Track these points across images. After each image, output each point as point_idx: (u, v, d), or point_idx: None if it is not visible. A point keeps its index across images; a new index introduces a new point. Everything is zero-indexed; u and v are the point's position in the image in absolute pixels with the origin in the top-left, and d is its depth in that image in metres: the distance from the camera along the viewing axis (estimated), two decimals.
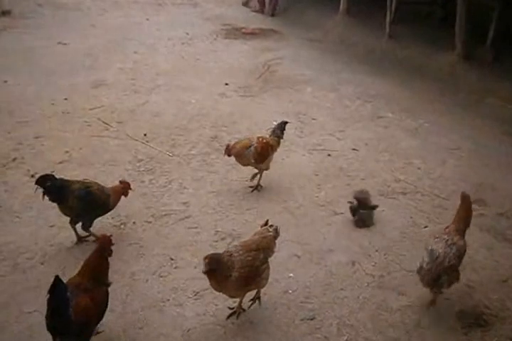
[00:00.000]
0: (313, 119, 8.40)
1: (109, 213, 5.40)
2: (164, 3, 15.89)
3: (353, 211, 5.76)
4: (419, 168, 7.07)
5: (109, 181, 5.81)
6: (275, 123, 6.67)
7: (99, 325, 4.02)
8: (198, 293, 4.69)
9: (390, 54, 11.38)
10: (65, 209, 5.09)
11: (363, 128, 8.25)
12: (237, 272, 4.05)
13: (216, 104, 8.79)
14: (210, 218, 5.80)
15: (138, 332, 4.27)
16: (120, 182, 5.50)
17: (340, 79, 10.26)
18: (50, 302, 3.56)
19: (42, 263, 4.98)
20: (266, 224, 4.61)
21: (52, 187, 4.93)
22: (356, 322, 4.48)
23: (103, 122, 7.82)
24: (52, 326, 3.61)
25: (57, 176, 5.10)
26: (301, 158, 7.23)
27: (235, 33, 13.23)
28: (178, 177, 6.56)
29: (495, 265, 5.25)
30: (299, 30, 13.40)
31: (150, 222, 5.68)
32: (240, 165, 6.32)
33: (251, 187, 6.40)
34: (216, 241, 5.40)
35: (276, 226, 4.56)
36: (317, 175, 6.80)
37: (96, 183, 5.28)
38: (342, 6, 13.18)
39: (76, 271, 3.98)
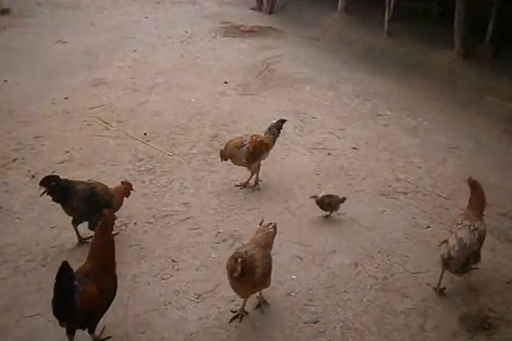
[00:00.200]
0: (313, 118, 8.39)
1: None
2: (163, 1, 15.85)
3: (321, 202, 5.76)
4: (419, 167, 7.06)
5: (110, 181, 5.75)
6: (274, 121, 6.64)
7: (105, 332, 3.96)
8: (200, 295, 4.66)
9: (388, 52, 11.38)
10: (68, 209, 5.07)
11: (363, 126, 8.24)
12: (261, 268, 4.13)
13: (216, 103, 8.76)
14: (211, 219, 5.77)
15: (140, 336, 4.23)
16: (122, 182, 5.49)
17: (339, 78, 10.25)
18: (56, 288, 3.54)
19: (43, 266, 4.92)
20: (261, 223, 4.69)
21: (57, 187, 4.91)
22: (360, 325, 4.45)
23: (103, 121, 7.78)
24: (57, 312, 3.60)
25: (61, 177, 5.06)
26: (302, 157, 7.21)
27: (234, 31, 13.20)
28: (179, 176, 6.53)
29: (498, 266, 5.22)
30: (297, 28, 13.38)
31: (151, 223, 5.64)
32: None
33: (249, 186, 6.39)
34: (217, 243, 5.38)
35: (275, 224, 4.64)
36: (318, 174, 6.78)
37: (100, 184, 5.25)
38: (340, 3, 13.19)
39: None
